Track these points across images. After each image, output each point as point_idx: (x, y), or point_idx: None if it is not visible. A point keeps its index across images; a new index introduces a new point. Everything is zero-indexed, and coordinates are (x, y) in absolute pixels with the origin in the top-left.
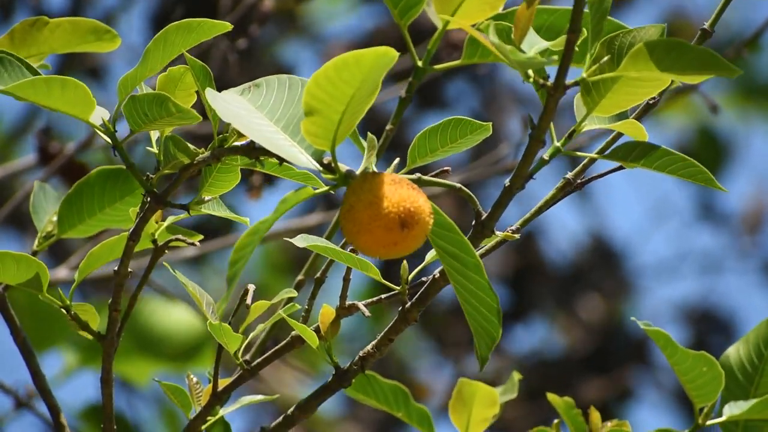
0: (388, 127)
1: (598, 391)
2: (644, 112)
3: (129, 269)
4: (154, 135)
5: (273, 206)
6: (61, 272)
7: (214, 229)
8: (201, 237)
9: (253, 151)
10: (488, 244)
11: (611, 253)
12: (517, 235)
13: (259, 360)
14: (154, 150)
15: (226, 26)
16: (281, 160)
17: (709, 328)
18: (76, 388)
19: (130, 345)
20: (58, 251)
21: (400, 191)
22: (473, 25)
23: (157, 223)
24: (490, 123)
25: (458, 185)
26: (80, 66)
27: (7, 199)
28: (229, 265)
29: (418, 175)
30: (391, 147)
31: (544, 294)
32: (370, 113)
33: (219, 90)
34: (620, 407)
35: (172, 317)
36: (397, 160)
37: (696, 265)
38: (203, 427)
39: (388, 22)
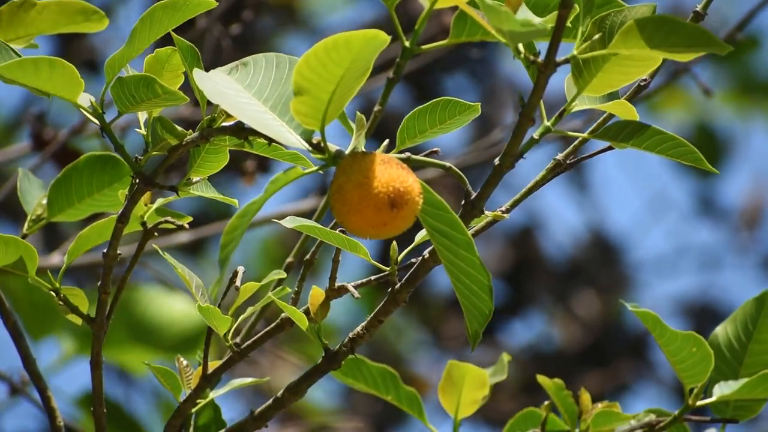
0: (376, 108)
1: (596, 386)
2: (635, 94)
3: (120, 254)
4: (142, 117)
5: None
6: (55, 258)
7: (211, 219)
8: (190, 219)
9: (242, 131)
10: (478, 224)
11: (610, 248)
12: (506, 215)
13: (248, 342)
14: (143, 132)
15: (211, 3)
16: (270, 140)
17: (708, 323)
18: (73, 375)
19: (128, 335)
20: (50, 238)
21: (389, 171)
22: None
23: (146, 205)
24: (479, 104)
25: (448, 164)
26: (77, 56)
27: (0, 186)
28: (220, 248)
29: (407, 154)
30: (386, 134)
31: (542, 289)
32: (362, 100)
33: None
34: (617, 401)
35: (170, 307)
36: (386, 141)
37: (695, 260)
38: (193, 410)
39: (386, 14)
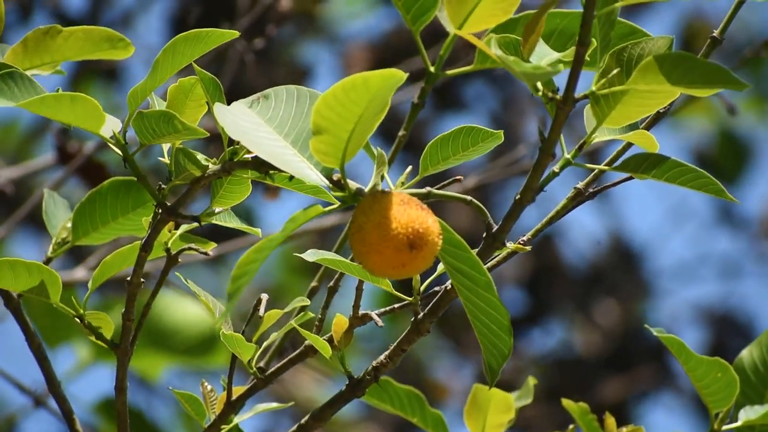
0: (400, 133)
1: (617, 392)
2: (654, 122)
3: (143, 281)
4: (166, 145)
5: (291, 204)
6: (79, 273)
7: (232, 230)
8: (214, 245)
9: (263, 165)
10: (499, 255)
11: (630, 255)
12: (528, 247)
13: (272, 369)
14: (166, 161)
15: (234, 34)
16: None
17: (728, 331)
18: (91, 382)
19: (144, 340)
20: (75, 251)
21: (408, 212)
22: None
23: (170, 232)
24: (502, 131)
25: (468, 198)
26: (97, 67)
27: (25, 198)
28: (231, 280)
29: (428, 189)
30: (410, 147)
31: (562, 296)
32: (389, 114)
33: (233, 94)
34: (638, 408)
35: (185, 311)
36: (409, 168)
37: (715, 269)
38: None
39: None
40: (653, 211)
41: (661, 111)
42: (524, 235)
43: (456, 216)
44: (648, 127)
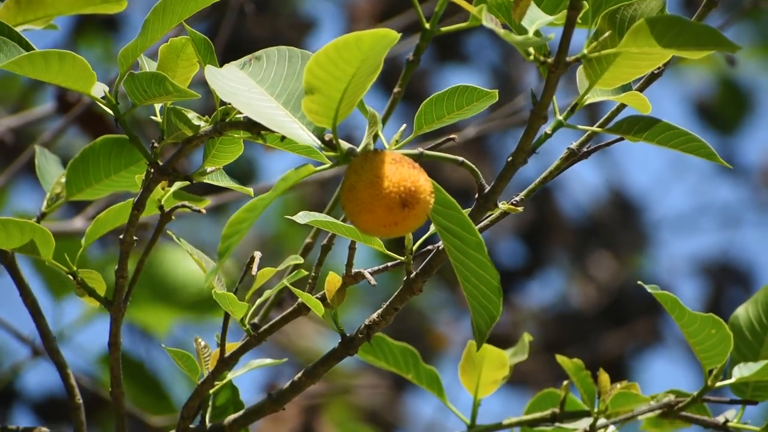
0: (395, 90)
1: (614, 346)
2: (648, 83)
3: (136, 239)
4: (158, 105)
5: (292, 155)
6: (78, 223)
7: (236, 178)
8: (208, 203)
9: (255, 126)
10: (491, 215)
11: (629, 207)
12: (520, 208)
13: (265, 327)
14: (158, 119)
15: None
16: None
17: (728, 281)
18: (99, 332)
19: (149, 294)
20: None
21: (401, 170)
22: None
23: (163, 189)
24: (496, 91)
25: (461, 159)
26: (97, 18)
27: (26, 147)
28: (221, 239)
29: (420, 150)
30: (411, 99)
31: (561, 248)
32: (392, 68)
33: (233, 46)
34: (637, 359)
35: (189, 266)
36: (403, 126)
37: (715, 219)
38: (211, 391)
39: None
40: (653, 162)
41: (655, 72)
42: (517, 195)
43: (454, 173)
44: (641, 89)
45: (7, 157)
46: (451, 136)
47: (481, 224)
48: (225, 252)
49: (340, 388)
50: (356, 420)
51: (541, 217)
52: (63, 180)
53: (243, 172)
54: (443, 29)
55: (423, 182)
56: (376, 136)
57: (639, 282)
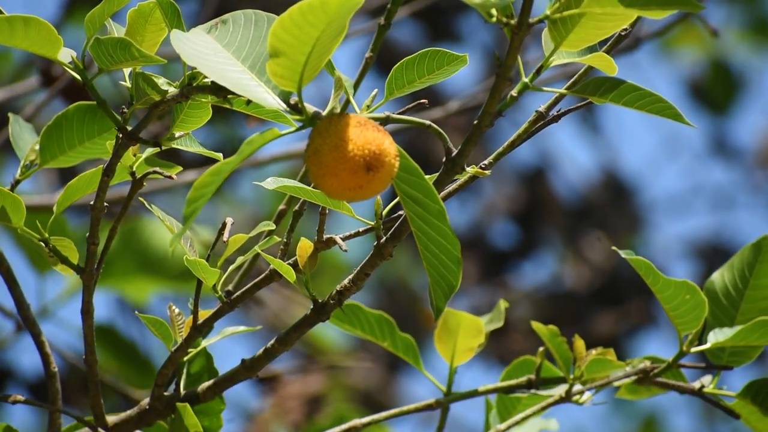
0: (367, 54)
1: (608, 325)
2: (615, 45)
3: (107, 205)
4: (127, 69)
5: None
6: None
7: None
8: (179, 169)
9: (221, 89)
10: (460, 180)
11: (622, 189)
12: (487, 172)
13: (238, 293)
14: (127, 84)
15: None
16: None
17: (721, 263)
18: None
19: (132, 265)
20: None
21: (365, 133)
22: None
23: (134, 156)
24: (467, 54)
25: (428, 123)
26: None
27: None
28: (186, 203)
29: (386, 113)
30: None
31: (554, 229)
32: (384, 51)
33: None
34: (630, 340)
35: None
36: (375, 91)
37: (708, 200)
38: (185, 358)
39: None
40: (646, 143)
41: (622, 34)
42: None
43: (433, 138)
44: (609, 50)
45: None
46: (422, 100)
47: (449, 189)
48: (190, 215)
49: (333, 368)
50: (350, 401)
51: (535, 198)
52: (37, 147)
53: (234, 146)
54: None
55: (387, 145)
56: (347, 102)
57: (614, 248)
